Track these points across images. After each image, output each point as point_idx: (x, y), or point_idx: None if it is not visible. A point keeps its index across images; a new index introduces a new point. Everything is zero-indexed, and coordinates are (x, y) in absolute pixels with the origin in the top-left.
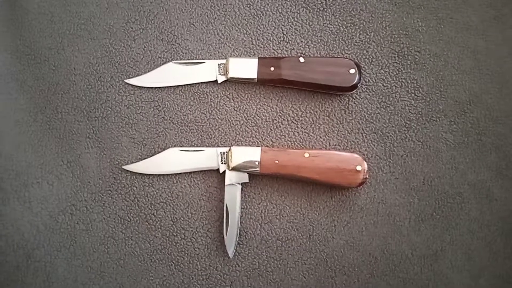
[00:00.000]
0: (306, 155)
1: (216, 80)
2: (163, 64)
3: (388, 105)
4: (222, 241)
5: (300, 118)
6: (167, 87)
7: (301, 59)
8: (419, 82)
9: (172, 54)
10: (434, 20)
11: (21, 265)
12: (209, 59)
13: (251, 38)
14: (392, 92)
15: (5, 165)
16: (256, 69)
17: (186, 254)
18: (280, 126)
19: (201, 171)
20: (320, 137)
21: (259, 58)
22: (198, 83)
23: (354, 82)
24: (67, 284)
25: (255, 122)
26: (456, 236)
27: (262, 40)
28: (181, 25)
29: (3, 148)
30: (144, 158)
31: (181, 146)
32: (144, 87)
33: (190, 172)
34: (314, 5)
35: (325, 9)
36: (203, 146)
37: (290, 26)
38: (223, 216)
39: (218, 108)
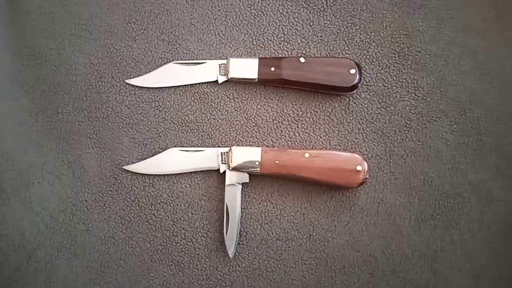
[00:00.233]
0: (307, 155)
1: (217, 80)
2: (164, 64)
3: (389, 105)
4: (222, 241)
5: (301, 118)
6: (168, 87)
7: (302, 59)
8: (419, 82)
9: (173, 54)
10: (434, 20)
11: (22, 265)
12: (209, 59)
13: (252, 38)
14: (393, 92)
15: (6, 165)
16: (257, 69)
17: (186, 254)
18: (280, 126)
19: (201, 171)
20: (321, 137)
21: (259, 58)
22: (199, 83)
23: (354, 82)
24: (68, 284)
25: (255, 122)
26: (456, 236)
27: (263, 40)
28: (181, 25)
29: (4, 148)
30: (145, 158)
31: (181, 146)
32: (145, 87)
33: (191, 172)
34: (315, 5)
35: (326, 9)
36: (203, 146)
37: (291, 26)
38: (223, 216)
39: (218, 108)
